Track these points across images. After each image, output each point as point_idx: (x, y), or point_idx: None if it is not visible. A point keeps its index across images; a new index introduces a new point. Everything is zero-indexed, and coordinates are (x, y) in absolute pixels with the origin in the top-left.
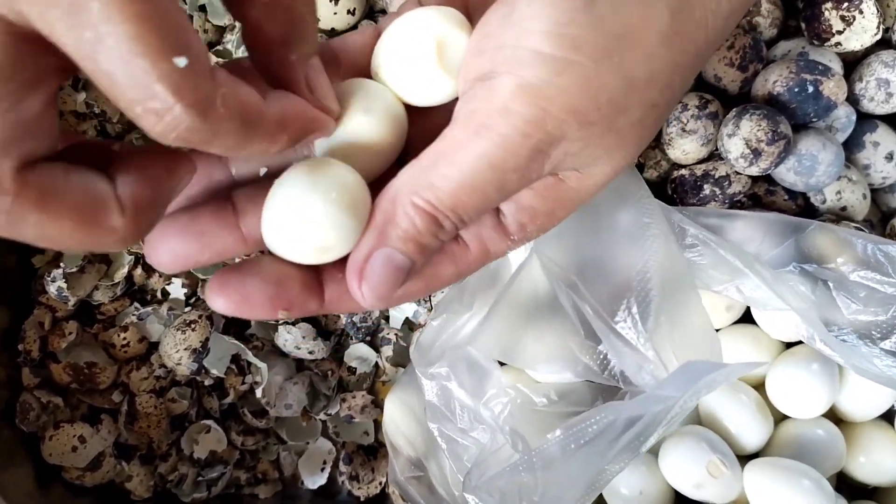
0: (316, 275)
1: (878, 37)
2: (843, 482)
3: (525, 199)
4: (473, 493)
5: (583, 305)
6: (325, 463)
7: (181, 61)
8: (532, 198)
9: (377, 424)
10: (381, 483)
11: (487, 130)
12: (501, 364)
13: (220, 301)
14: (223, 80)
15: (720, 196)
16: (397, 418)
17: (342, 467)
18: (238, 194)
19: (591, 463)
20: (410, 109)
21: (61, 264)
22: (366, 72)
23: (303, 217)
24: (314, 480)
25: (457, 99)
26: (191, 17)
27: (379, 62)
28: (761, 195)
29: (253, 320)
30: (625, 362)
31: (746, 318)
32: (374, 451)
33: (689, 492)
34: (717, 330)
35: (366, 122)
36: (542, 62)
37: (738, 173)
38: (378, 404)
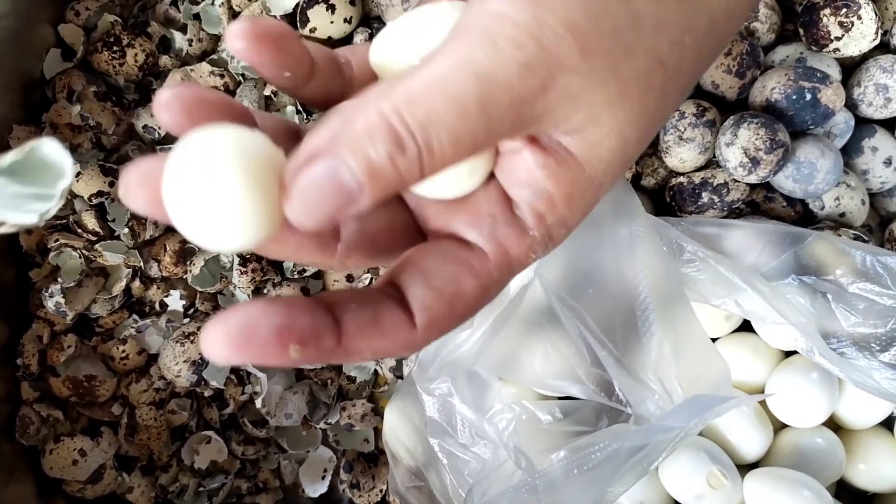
0: (326, 307)
1: (877, 42)
2: (842, 489)
3: (538, 183)
4: None
5: (587, 334)
6: (325, 471)
7: None
8: (545, 178)
9: (377, 432)
10: (381, 491)
11: (476, 37)
12: (500, 379)
13: (218, 347)
14: None
15: (718, 203)
16: (397, 428)
17: (343, 475)
18: None
19: (594, 487)
20: None
21: (59, 279)
22: (373, 79)
23: (202, 192)
24: (315, 489)
25: None
26: (185, 25)
27: (383, 53)
28: (760, 202)
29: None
30: (630, 392)
31: (746, 326)
32: (374, 459)
33: (689, 502)
34: (717, 339)
35: None
36: None
37: (736, 181)
38: (378, 412)
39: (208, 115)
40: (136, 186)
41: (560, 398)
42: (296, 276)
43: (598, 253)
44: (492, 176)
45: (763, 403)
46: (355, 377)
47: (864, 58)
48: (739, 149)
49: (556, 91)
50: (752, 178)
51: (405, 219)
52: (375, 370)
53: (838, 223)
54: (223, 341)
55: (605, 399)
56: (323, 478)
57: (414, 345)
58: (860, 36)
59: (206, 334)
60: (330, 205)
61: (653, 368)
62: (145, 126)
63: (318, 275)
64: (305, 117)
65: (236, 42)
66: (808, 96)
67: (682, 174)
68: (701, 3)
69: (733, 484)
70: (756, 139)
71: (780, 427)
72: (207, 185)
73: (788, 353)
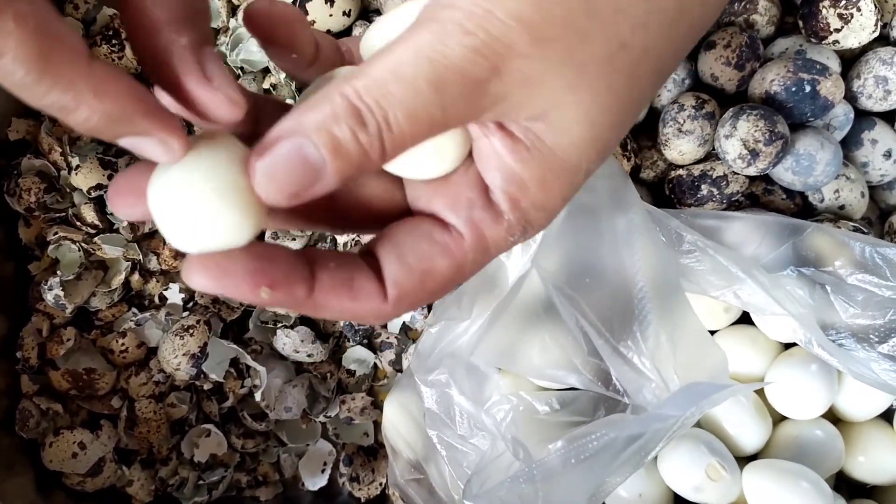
0: (307, 261)
1: (876, 34)
2: (842, 481)
3: (508, 167)
4: (474, 502)
5: (585, 324)
6: (325, 464)
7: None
8: (514, 163)
9: (377, 426)
10: (381, 484)
11: (427, 22)
12: (499, 370)
13: (197, 275)
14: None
15: (718, 196)
16: (396, 421)
17: (342, 469)
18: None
19: (591, 476)
20: None
21: (58, 272)
22: None
23: (183, 200)
24: (315, 482)
25: None
26: None
27: (370, 45)
28: (759, 195)
29: (232, 298)
30: (627, 382)
31: (745, 319)
32: (374, 452)
33: (688, 494)
34: (716, 331)
35: None
36: None
37: (735, 173)
38: (377, 405)
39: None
40: (121, 196)
41: (558, 389)
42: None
43: (595, 243)
44: (473, 161)
45: (762, 395)
46: (355, 371)
47: (864, 50)
48: (738, 141)
49: (511, 76)
50: (752, 171)
51: (401, 196)
52: (375, 364)
53: (838, 216)
54: (203, 270)
55: (602, 389)
56: (322, 471)
57: (382, 315)
58: (860, 28)
59: (190, 263)
60: (297, 180)
61: (649, 357)
62: None
63: None
64: None
65: (251, 21)
66: (808, 88)
67: (682, 167)
68: None
69: (732, 476)
70: (755, 131)
71: (779, 419)
72: (186, 195)
73: (788, 346)
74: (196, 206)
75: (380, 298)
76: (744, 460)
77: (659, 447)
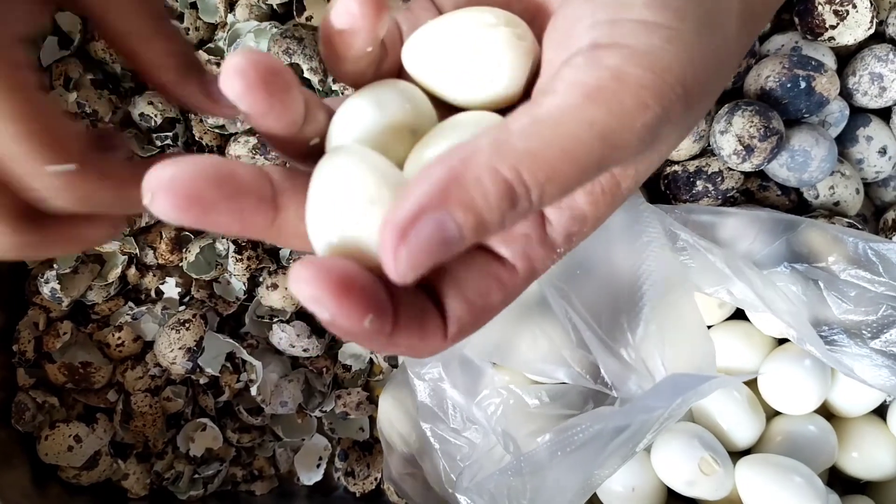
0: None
1: (872, 31)
2: (835, 477)
3: (580, 206)
4: (465, 495)
5: (574, 315)
6: (320, 459)
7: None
8: (587, 204)
9: (372, 421)
10: (376, 479)
11: (601, 96)
12: (493, 364)
13: (316, 291)
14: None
15: (713, 192)
16: (392, 416)
17: (338, 463)
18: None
19: (579, 468)
20: (444, 106)
21: (54, 265)
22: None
23: (346, 219)
24: (310, 477)
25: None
26: (182, 14)
27: (418, 61)
28: (754, 191)
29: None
30: (613, 373)
31: (740, 314)
32: (369, 448)
33: (681, 489)
34: (710, 327)
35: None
36: (651, 30)
37: (730, 169)
38: (373, 400)
39: (279, 89)
40: (163, 194)
41: (550, 383)
42: (292, 265)
43: (590, 237)
44: None
45: (755, 389)
46: (350, 366)
47: (860, 47)
48: (733, 136)
49: (658, 140)
50: (747, 166)
51: None
52: (371, 359)
53: (833, 212)
54: (326, 293)
55: (589, 382)
56: (318, 466)
57: (438, 350)
58: (855, 24)
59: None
60: (431, 259)
61: (636, 349)
62: (142, 114)
63: None
64: None
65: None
66: (803, 84)
67: (677, 163)
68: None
69: (725, 470)
70: (750, 127)
71: (772, 414)
72: (350, 212)
73: (781, 341)
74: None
75: (442, 335)
76: (737, 455)
77: (646, 439)
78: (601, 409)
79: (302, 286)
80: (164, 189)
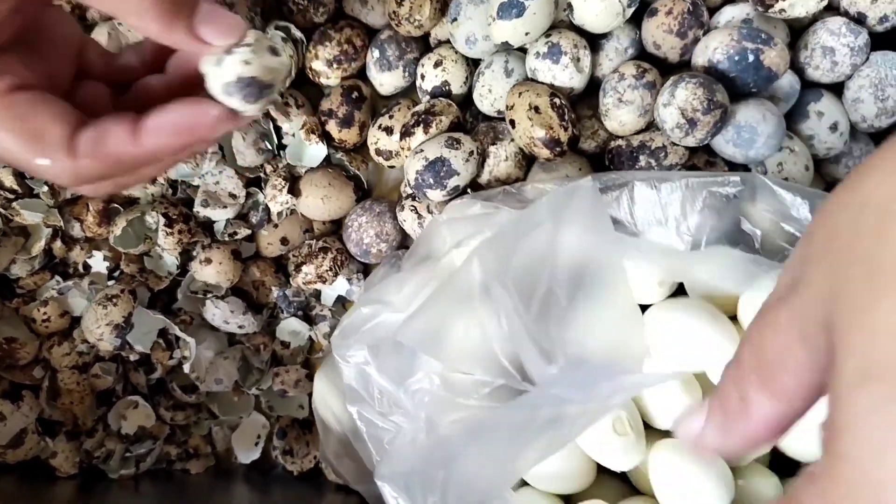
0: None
1: (825, 3)
2: (776, 459)
3: None
4: (385, 482)
5: (506, 304)
6: (258, 437)
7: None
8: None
9: (311, 398)
10: (315, 458)
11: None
12: None
13: None
14: (84, 152)
15: (656, 167)
16: (326, 397)
17: (276, 442)
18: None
19: (496, 459)
20: None
21: None
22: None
23: None
24: (248, 455)
25: None
26: None
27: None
28: (701, 167)
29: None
30: (531, 362)
31: (682, 290)
32: (308, 426)
33: (594, 453)
34: (651, 305)
35: None
36: None
37: (675, 144)
38: (312, 378)
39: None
40: None
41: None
42: (226, 239)
43: (535, 234)
44: None
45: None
46: (289, 343)
47: (814, 20)
48: (676, 109)
49: None
50: (690, 141)
51: None
52: (310, 336)
53: None
54: None
55: (517, 380)
56: (256, 444)
57: None
58: None
59: None
60: None
61: (561, 340)
62: None
63: (251, 238)
64: None
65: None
66: (751, 58)
67: (621, 137)
68: None
69: (637, 438)
70: (693, 99)
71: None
72: None
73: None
74: None
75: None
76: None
77: (569, 432)
78: (520, 399)
79: None
80: None
